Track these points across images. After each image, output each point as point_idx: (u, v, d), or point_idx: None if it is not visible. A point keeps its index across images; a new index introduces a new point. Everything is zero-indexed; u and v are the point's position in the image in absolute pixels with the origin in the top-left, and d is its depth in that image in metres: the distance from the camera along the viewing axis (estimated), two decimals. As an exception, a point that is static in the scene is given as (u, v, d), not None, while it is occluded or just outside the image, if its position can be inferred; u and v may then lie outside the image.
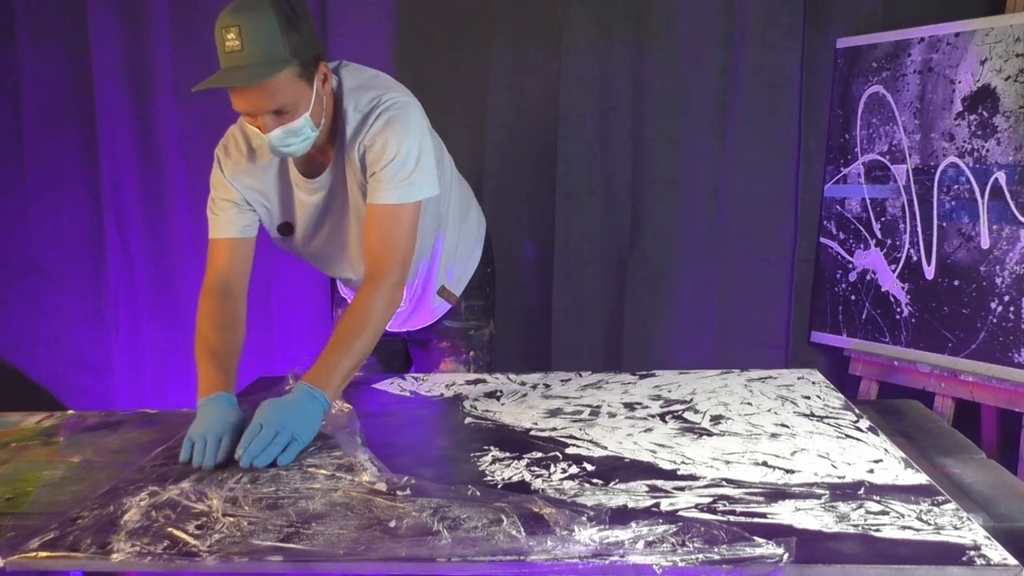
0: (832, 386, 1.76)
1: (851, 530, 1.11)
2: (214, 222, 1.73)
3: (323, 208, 1.73)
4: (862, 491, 1.23)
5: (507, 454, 1.43)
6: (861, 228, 2.57)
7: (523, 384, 1.83)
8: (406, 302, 1.91)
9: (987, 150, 2.25)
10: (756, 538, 1.08)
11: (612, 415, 1.61)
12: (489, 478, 1.33)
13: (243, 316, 1.71)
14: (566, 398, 1.72)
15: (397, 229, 1.63)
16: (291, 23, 1.49)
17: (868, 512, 1.16)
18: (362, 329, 1.58)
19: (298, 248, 1.82)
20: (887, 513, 1.15)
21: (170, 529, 1.18)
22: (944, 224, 2.36)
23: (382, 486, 1.30)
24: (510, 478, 1.33)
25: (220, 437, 1.43)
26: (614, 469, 1.35)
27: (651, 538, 1.10)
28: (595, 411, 1.64)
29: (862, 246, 2.57)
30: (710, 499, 1.22)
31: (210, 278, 1.71)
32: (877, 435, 1.46)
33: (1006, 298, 2.20)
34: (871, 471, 1.30)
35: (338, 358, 1.54)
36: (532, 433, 1.53)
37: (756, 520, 1.15)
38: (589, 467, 1.36)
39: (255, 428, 1.42)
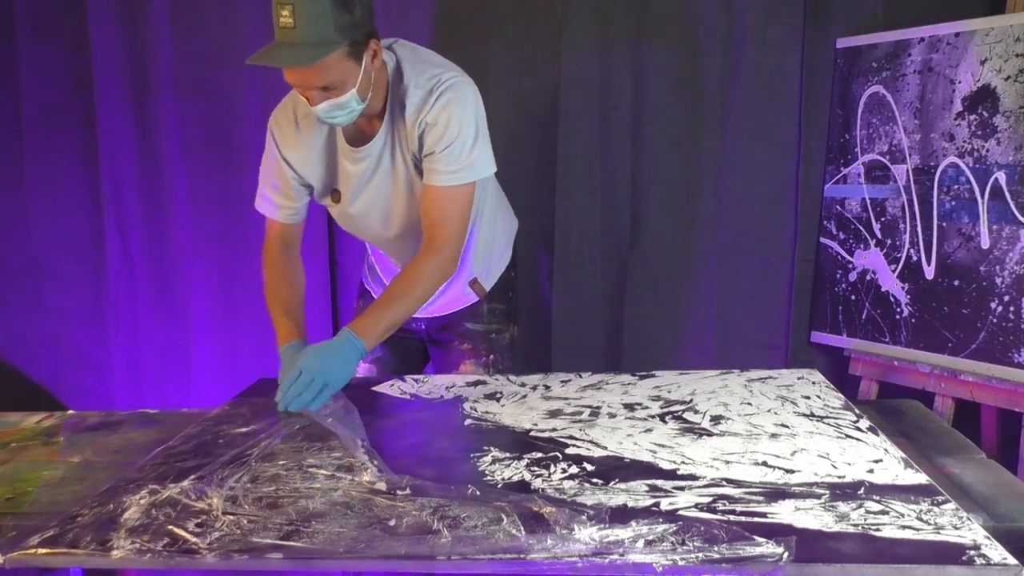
0: (832, 386, 1.76)
1: (851, 530, 1.11)
2: (268, 203, 1.88)
3: (367, 177, 1.79)
4: (862, 491, 1.23)
5: (507, 454, 1.43)
6: (861, 228, 2.57)
7: (523, 385, 1.83)
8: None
9: (987, 150, 2.25)
10: (756, 537, 1.08)
11: (612, 416, 1.61)
12: (489, 478, 1.33)
13: (301, 267, 1.92)
14: (566, 399, 1.72)
15: (455, 208, 1.72)
16: (344, 4, 1.55)
17: (868, 512, 1.16)
18: (412, 290, 1.71)
19: (342, 213, 1.88)
20: (887, 513, 1.15)
21: (170, 527, 1.18)
22: (944, 224, 2.36)
23: (382, 486, 1.30)
24: (510, 478, 1.33)
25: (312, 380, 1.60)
26: (614, 469, 1.35)
27: (651, 537, 1.10)
28: (595, 412, 1.63)
29: (862, 246, 2.57)
30: (710, 499, 1.22)
31: (273, 244, 1.89)
32: (877, 435, 1.46)
33: (1006, 298, 2.20)
34: (871, 471, 1.30)
35: (384, 311, 1.69)
36: (532, 434, 1.53)
37: (756, 520, 1.15)
38: (589, 467, 1.36)
39: (294, 374, 1.60)
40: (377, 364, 2.05)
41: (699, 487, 1.26)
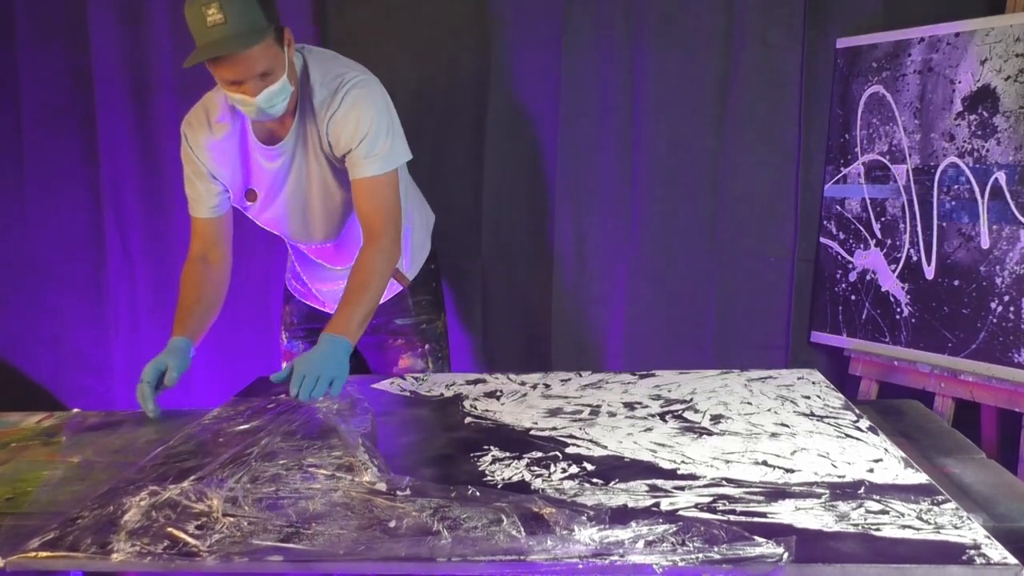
0: (832, 386, 1.76)
1: (851, 529, 1.11)
2: (191, 201, 1.96)
3: (282, 174, 1.86)
4: (862, 490, 1.23)
5: (507, 454, 1.43)
6: (861, 228, 2.57)
7: (523, 384, 1.83)
8: None
9: (987, 150, 2.25)
10: (756, 537, 1.08)
11: (612, 415, 1.61)
12: (489, 478, 1.33)
13: (221, 280, 1.98)
14: (566, 398, 1.72)
15: (383, 195, 1.82)
16: None
17: (868, 511, 1.16)
18: (369, 282, 1.79)
19: (261, 213, 1.96)
20: (887, 512, 1.15)
21: (170, 529, 1.18)
22: (944, 224, 2.36)
23: (382, 486, 1.30)
24: (510, 478, 1.33)
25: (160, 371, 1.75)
26: (614, 469, 1.35)
27: (651, 538, 1.10)
28: (595, 411, 1.64)
29: (862, 246, 2.57)
30: (710, 498, 1.22)
31: (195, 247, 1.97)
32: (877, 435, 1.46)
33: (1006, 298, 2.20)
34: (871, 471, 1.30)
35: (352, 308, 1.76)
36: (532, 433, 1.53)
37: (756, 519, 1.15)
38: (589, 467, 1.36)
39: (298, 379, 1.65)
40: None
41: (699, 487, 1.26)
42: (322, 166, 1.85)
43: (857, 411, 1.59)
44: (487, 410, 1.67)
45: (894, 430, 1.57)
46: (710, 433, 1.50)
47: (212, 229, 1.96)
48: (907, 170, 2.44)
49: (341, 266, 2.03)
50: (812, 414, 1.58)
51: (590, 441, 1.47)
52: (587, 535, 1.11)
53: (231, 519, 1.20)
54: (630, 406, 1.66)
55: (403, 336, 2.12)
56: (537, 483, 1.30)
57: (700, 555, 1.05)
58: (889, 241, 2.50)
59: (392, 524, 1.17)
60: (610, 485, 1.28)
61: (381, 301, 2.04)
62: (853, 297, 2.59)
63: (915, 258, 2.42)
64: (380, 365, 2.15)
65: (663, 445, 1.45)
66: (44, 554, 1.14)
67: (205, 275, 1.95)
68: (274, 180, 1.88)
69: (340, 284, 2.05)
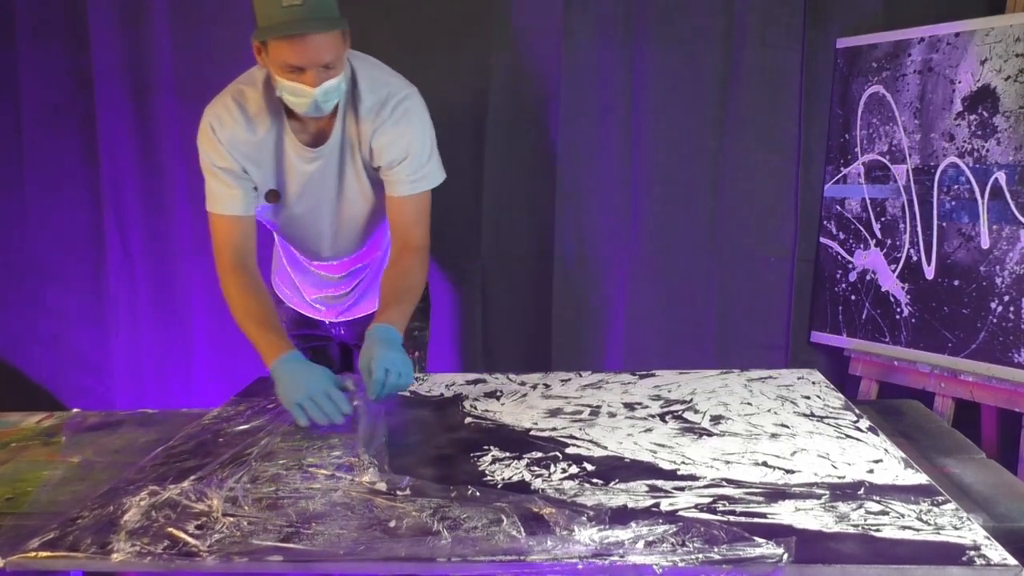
0: (832, 386, 1.76)
1: (851, 530, 1.11)
2: (221, 199, 1.79)
3: (318, 177, 1.81)
4: (862, 491, 1.23)
5: (507, 454, 1.43)
6: (861, 228, 2.57)
7: (523, 384, 1.83)
8: (356, 289, 2.03)
9: (987, 150, 2.25)
10: (756, 538, 1.08)
11: (612, 415, 1.61)
12: (489, 478, 1.33)
13: (260, 277, 1.83)
14: (566, 398, 1.72)
15: (419, 212, 1.84)
16: None
17: (868, 512, 1.16)
18: (415, 286, 1.83)
19: (279, 215, 1.88)
20: (887, 513, 1.15)
21: (170, 529, 1.18)
22: (944, 224, 2.36)
23: (382, 486, 1.30)
24: (510, 478, 1.33)
25: (327, 392, 1.63)
26: (614, 469, 1.35)
27: (651, 538, 1.10)
28: (595, 411, 1.64)
29: (862, 246, 2.57)
30: (710, 499, 1.22)
31: (229, 255, 1.80)
32: (877, 435, 1.46)
33: (1006, 298, 2.20)
34: (871, 471, 1.30)
35: (402, 307, 1.78)
36: (532, 433, 1.53)
37: (756, 520, 1.15)
38: (589, 467, 1.36)
39: (381, 378, 1.61)
40: None
41: (699, 487, 1.26)
42: (358, 172, 1.82)
43: (857, 411, 1.59)
44: (487, 410, 1.67)
45: (894, 430, 1.57)
46: (710, 434, 1.50)
47: (244, 230, 1.81)
48: (907, 170, 2.44)
49: (337, 274, 2.01)
50: (812, 414, 1.58)
51: (590, 442, 1.47)
52: (587, 535, 1.11)
53: (231, 519, 1.20)
54: (630, 407, 1.66)
55: None
56: (537, 483, 1.30)
57: (700, 555, 1.05)
58: (889, 241, 2.50)
59: (392, 524, 1.17)
60: (610, 485, 1.28)
61: (374, 309, 2.02)
62: (853, 297, 2.59)
63: (915, 258, 2.42)
64: None
65: (663, 446, 1.44)
66: (44, 554, 1.14)
67: (259, 282, 1.81)
68: (307, 182, 1.82)
69: (332, 291, 2.04)
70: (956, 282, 2.32)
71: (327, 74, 1.63)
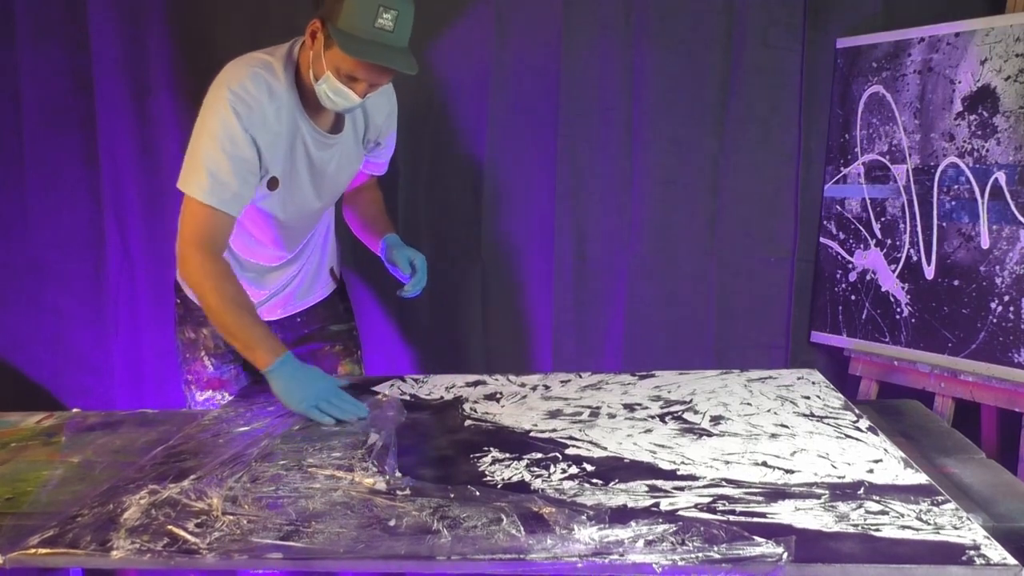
0: (832, 386, 1.76)
1: (851, 530, 1.11)
2: (224, 190, 1.68)
3: (329, 161, 1.84)
4: (862, 491, 1.23)
5: (507, 455, 1.43)
6: (861, 228, 2.57)
7: (523, 385, 1.83)
8: (304, 276, 2.03)
9: (987, 150, 2.25)
10: (756, 537, 1.08)
11: (612, 416, 1.61)
12: (489, 478, 1.33)
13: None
14: (566, 399, 1.72)
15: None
16: None
17: (868, 512, 1.16)
18: (384, 206, 2.10)
19: (270, 199, 1.78)
20: (887, 513, 1.15)
21: (170, 527, 1.18)
22: (944, 224, 2.36)
23: (382, 486, 1.30)
24: (510, 478, 1.33)
25: (337, 392, 1.67)
26: (614, 469, 1.35)
27: (651, 537, 1.10)
28: (595, 412, 1.64)
29: (862, 246, 2.57)
30: (710, 499, 1.22)
31: (213, 243, 1.69)
32: (877, 435, 1.46)
33: (1006, 298, 2.20)
34: (871, 471, 1.30)
35: (388, 220, 2.06)
36: (532, 434, 1.53)
37: (756, 520, 1.15)
38: (589, 467, 1.36)
39: (422, 270, 1.88)
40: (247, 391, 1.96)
41: (699, 487, 1.26)
42: (359, 154, 1.94)
43: (857, 411, 1.59)
44: (487, 412, 1.67)
45: (894, 430, 1.57)
46: (710, 434, 1.50)
47: (228, 229, 1.72)
48: (907, 170, 2.44)
49: (277, 263, 1.94)
50: (812, 414, 1.58)
51: (590, 442, 1.47)
52: (587, 534, 1.11)
53: (231, 517, 1.20)
54: (630, 407, 1.66)
55: (340, 342, 2.08)
56: (537, 483, 1.30)
57: (700, 555, 1.05)
58: (889, 241, 2.50)
59: (392, 523, 1.17)
60: (610, 485, 1.28)
61: (316, 302, 2.07)
62: (853, 297, 2.59)
63: (915, 258, 2.42)
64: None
65: (663, 446, 1.44)
66: (44, 551, 1.14)
67: (232, 272, 1.73)
68: (317, 166, 1.80)
69: (265, 292, 1.95)
70: (956, 282, 2.32)
71: (375, 88, 1.68)
